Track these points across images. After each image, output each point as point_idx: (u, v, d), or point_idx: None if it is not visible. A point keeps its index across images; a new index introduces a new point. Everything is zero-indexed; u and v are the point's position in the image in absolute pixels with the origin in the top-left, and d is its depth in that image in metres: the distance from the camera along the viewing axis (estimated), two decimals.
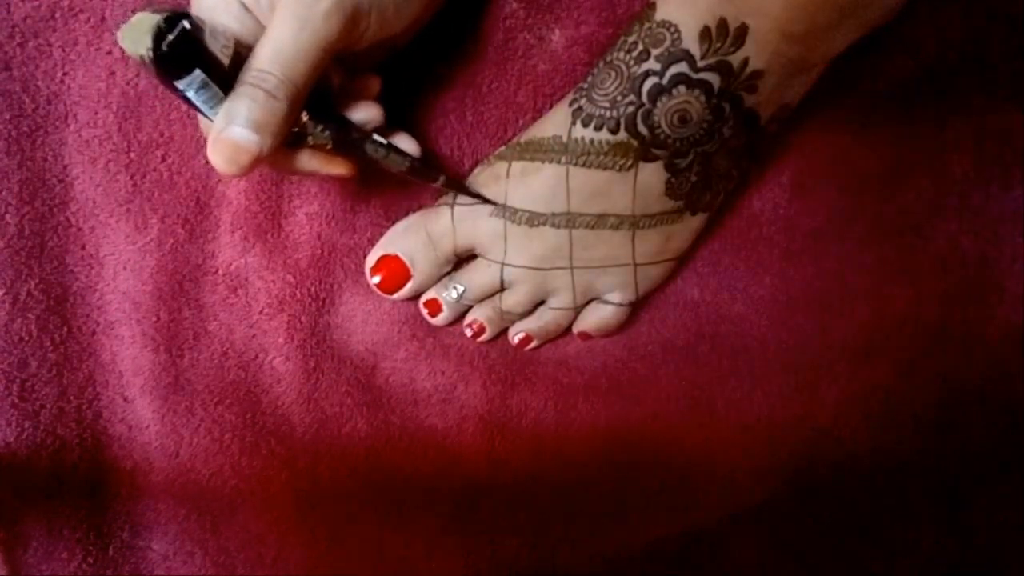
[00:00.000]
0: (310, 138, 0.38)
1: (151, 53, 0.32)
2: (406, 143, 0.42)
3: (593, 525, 0.50)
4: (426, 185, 0.44)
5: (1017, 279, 0.48)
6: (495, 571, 0.50)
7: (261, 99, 0.35)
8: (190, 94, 0.35)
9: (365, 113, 0.40)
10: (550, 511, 0.50)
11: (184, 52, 0.34)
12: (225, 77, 0.35)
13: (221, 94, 0.35)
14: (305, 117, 0.37)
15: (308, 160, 0.40)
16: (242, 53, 0.36)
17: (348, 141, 0.39)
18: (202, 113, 0.36)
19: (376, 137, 0.41)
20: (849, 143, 0.48)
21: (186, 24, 0.33)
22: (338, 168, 0.40)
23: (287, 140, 0.37)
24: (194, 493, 0.48)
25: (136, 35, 0.33)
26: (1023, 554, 0.49)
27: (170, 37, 0.33)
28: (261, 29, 0.36)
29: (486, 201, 0.44)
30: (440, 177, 0.43)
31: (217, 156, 0.35)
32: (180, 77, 0.34)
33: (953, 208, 0.48)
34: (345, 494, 0.49)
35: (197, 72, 0.34)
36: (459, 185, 0.45)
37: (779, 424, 0.49)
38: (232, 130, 0.35)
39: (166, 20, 0.33)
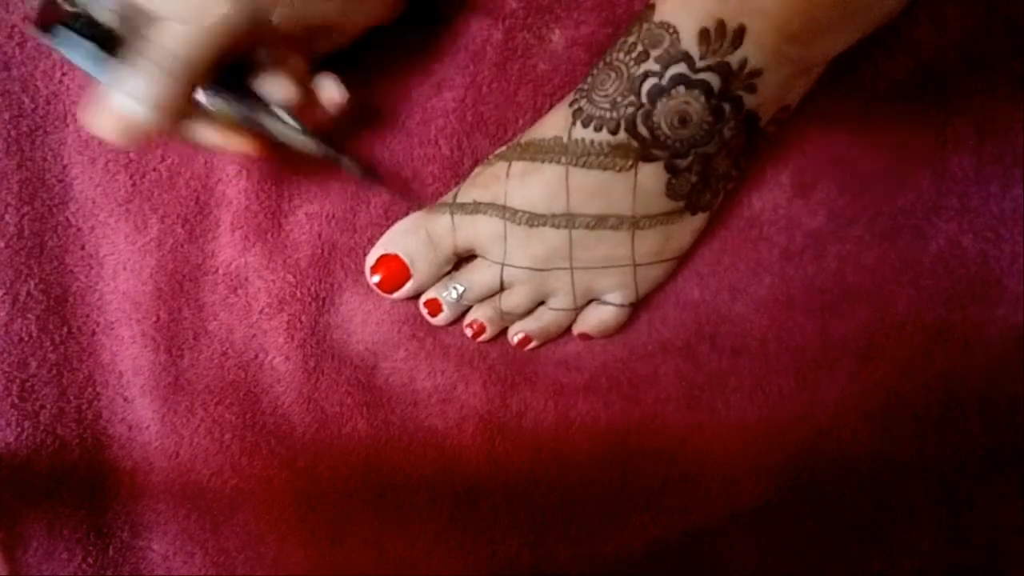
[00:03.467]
0: (208, 109, 0.38)
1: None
2: (331, 87, 0.42)
3: (593, 525, 0.49)
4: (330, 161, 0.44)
5: (1017, 279, 0.48)
6: (495, 571, 0.50)
7: (160, 78, 0.35)
8: (65, 52, 0.36)
9: (273, 87, 0.40)
10: (550, 511, 0.50)
11: (50, 12, 0.35)
12: (108, 38, 0.36)
13: (103, 54, 0.36)
14: (199, 93, 0.38)
15: (207, 133, 0.40)
16: (132, 17, 0.36)
17: (246, 116, 0.39)
18: (86, 72, 0.36)
19: (276, 111, 0.40)
20: (849, 143, 0.48)
21: None
22: (240, 145, 0.40)
23: (184, 114, 0.37)
24: (194, 493, 0.48)
25: None
26: (1023, 554, 0.49)
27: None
28: None
29: (375, 180, 0.43)
30: (343, 158, 0.43)
31: (106, 125, 0.36)
32: (49, 35, 0.35)
33: (953, 208, 0.48)
34: (345, 494, 0.49)
35: (64, 31, 0.35)
36: (365, 170, 0.44)
37: (779, 424, 0.49)
38: (126, 103, 0.35)
39: None
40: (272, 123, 0.40)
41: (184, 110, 0.37)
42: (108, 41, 0.36)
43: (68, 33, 0.36)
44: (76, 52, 0.36)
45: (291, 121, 0.41)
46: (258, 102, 0.40)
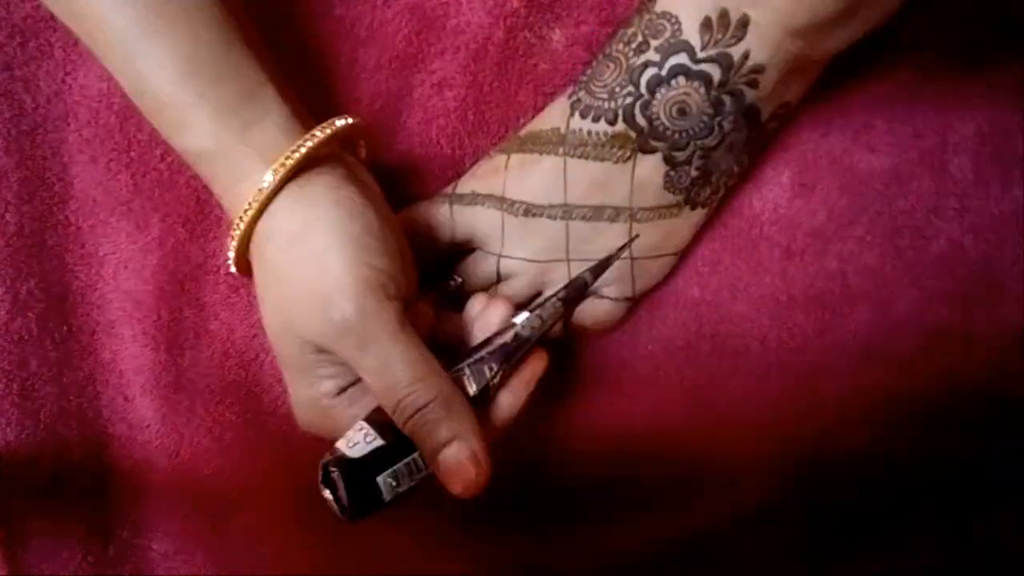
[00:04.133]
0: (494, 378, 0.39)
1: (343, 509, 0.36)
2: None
3: (593, 525, 0.49)
4: None
5: (1017, 279, 0.48)
6: (495, 571, 0.50)
7: (443, 429, 0.36)
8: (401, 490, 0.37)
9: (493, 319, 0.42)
10: (550, 511, 0.50)
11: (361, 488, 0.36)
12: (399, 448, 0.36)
13: (413, 463, 0.37)
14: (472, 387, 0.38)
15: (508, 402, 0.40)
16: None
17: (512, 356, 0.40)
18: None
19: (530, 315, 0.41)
20: (849, 143, 0.48)
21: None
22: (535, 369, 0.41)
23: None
24: (194, 493, 0.48)
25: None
26: (1023, 554, 0.49)
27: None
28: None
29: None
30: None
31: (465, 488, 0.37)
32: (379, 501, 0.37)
33: (953, 208, 0.48)
34: None
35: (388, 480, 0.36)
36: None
37: (779, 424, 0.49)
38: (461, 464, 0.36)
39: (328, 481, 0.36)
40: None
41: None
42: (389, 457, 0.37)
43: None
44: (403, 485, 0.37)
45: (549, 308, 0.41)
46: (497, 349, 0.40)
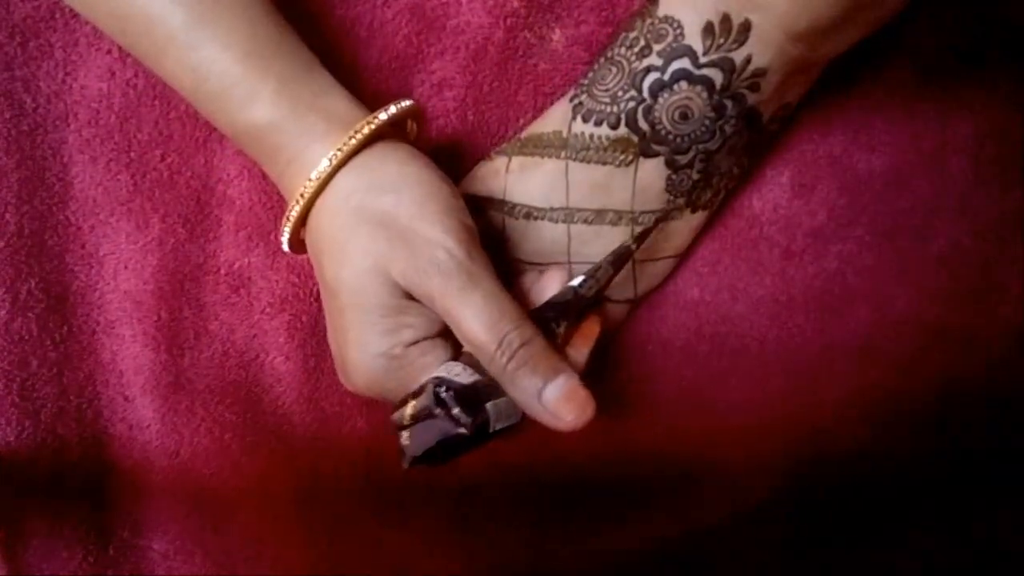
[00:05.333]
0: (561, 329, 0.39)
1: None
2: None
3: (593, 525, 0.50)
4: None
5: (1017, 279, 0.49)
6: (495, 571, 0.50)
7: (548, 363, 0.36)
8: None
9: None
10: (550, 511, 0.50)
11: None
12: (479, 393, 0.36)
13: (507, 403, 0.36)
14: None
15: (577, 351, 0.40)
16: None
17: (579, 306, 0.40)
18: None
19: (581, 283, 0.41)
20: (849, 143, 0.48)
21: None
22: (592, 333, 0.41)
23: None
24: (194, 492, 0.48)
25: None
26: (1023, 554, 0.49)
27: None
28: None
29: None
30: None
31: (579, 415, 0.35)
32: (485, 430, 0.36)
33: (953, 209, 0.48)
34: (345, 493, 0.49)
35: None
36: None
37: (779, 424, 0.49)
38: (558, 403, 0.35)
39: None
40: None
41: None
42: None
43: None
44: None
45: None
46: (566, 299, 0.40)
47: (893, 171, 0.48)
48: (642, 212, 0.43)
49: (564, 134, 0.43)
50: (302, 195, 0.37)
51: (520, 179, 0.44)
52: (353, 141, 0.36)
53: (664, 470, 0.49)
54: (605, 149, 0.42)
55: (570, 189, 0.43)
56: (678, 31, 0.39)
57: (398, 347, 0.37)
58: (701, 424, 0.49)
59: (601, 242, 0.44)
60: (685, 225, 0.45)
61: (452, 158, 0.47)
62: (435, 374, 0.37)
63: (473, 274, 0.36)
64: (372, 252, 0.36)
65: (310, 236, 0.39)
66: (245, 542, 0.49)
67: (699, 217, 0.45)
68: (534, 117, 0.46)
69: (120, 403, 0.48)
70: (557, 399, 0.35)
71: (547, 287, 0.42)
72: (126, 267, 0.47)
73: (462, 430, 0.35)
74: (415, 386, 0.37)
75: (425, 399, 0.36)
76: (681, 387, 0.49)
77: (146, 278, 0.47)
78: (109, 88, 0.45)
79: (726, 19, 0.38)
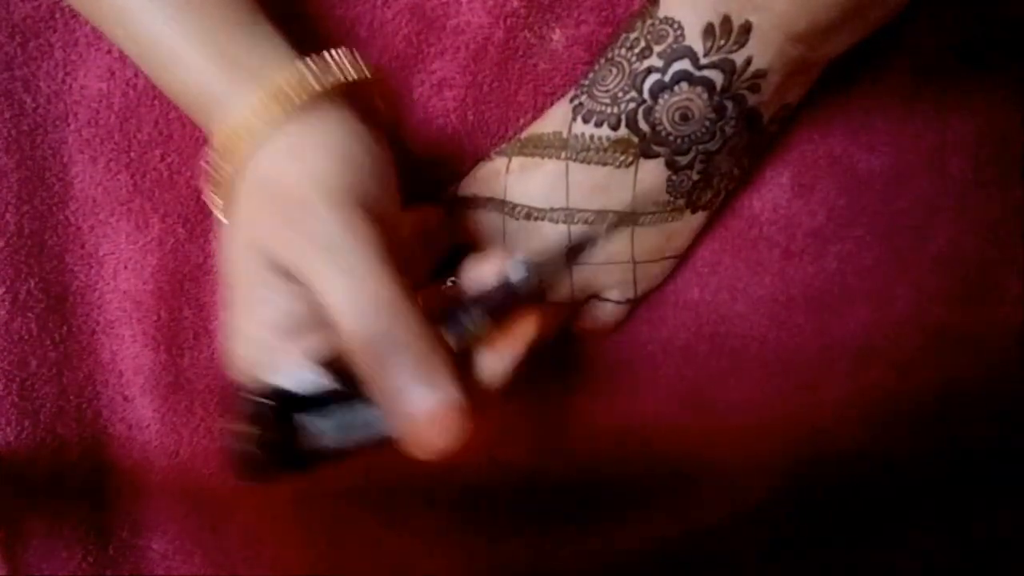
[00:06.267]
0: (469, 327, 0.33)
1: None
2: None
3: (593, 525, 0.50)
4: None
5: (1017, 279, 0.49)
6: (495, 571, 0.50)
7: (416, 367, 0.30)
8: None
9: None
10: (550, 511, 0.50)
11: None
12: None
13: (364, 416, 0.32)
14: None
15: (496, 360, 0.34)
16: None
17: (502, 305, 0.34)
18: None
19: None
20: (849, 143, 0.48)
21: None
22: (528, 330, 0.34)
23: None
24: (194, 493, 0.48)
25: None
26: (1023, 554, 0.49)
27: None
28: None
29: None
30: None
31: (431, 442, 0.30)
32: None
33: (953, 208, 0.48)
34: (345, 494, 0.49)
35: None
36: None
37: (779, 424, 0.49)
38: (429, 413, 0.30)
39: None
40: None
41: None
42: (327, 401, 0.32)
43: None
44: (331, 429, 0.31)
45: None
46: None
47: (893, 171, 0.48)
48: (642, 213, 0.43)
49: (564, 135, 0.43)
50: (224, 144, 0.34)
51: (520, 180, 0.44)
52: (288, 97, 0.33)
53: (664, 470, 0.49)
54: (605, 150, 0.42)
55: (570, 190, 0.43)
56: (678, 32, 0.39)
57: (271, 328, 0.32)
58: (701, 424, 0.49)
59: (601, 242, 0.44)
60: (685, 225, 0.45)
61: (452, 158, 0.47)
62: (278, 383, 0.32)
63: (348, 248, 0.31)
64: (250, 223, 0.33)
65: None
66: (244, 542, 0.49)
67: (699, 218, 0.45)
68: (534, 117, 0.46)
69: (120, 403, 0.48)
70: (414, 412, 0.30)
71: (481, 275, 0.36)
72: (126, 267, 0.47)
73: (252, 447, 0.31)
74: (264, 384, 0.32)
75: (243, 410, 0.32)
76: (681, 387, 0.49)
77: (146, 278, 0.47)
78: (109, 88, 0.45)
79: (726, 20, 0.38)
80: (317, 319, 0.32)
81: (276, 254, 0.32)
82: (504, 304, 0.33)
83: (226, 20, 0.35)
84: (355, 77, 0.36)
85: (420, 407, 0.30)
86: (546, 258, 0.35)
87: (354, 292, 0.30)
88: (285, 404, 0.31)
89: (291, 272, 0.32)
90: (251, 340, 0.33)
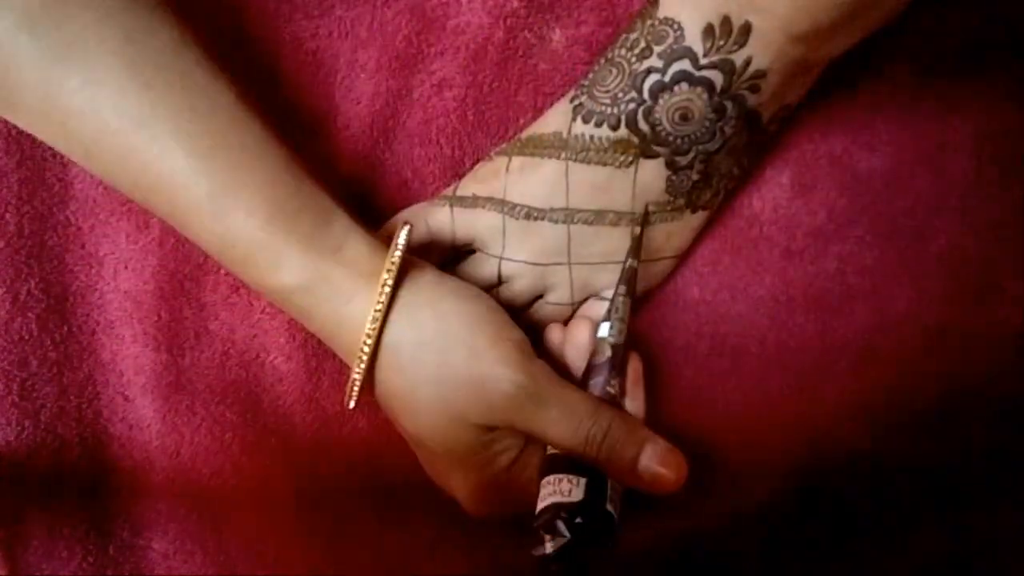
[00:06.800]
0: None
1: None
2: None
3: None
4: None
5: (1017, 280, 0.48)
6: (495, 571, 0.50)
7: (632, 441, 0.38)
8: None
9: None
10: None
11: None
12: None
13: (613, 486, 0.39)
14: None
15: None
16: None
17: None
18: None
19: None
20: (849, 143, 0.48)
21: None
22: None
23: None
24: (194, 492, 0.48)
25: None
26: (1023, 555, 0.49)
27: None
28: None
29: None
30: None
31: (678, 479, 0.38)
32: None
33: (953, 209, 0.48)
34: (345, 494, 0.49)
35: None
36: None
37: (779, 424, 0.49)
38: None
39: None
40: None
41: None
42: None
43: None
44: None
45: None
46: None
47: (893, 171, 0.48)
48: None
49: (564, 135, 0.43)
50: (360, 360, 0.38)
51: (520, 179, 0.44)
52: (384, 296, 0.37)
53: None
54: (605, 150, 0.42)
55: (570, 190, 0.43)
56: (678, 33, 0.39)
57: (501, 474, 0.40)
58: (701, 424, 0.49)
59: (601, 243, 0.44)
60: (685, 225, 0.45)
61: (452, 158, 0.47)
62: (549, 500, 0.38)
63: (542, 392, 0.38)
64: (442, 406, 0.38)
65: (376, 392, 0.40)
66: (245, 542, 0.49)
67: (699, 217, 0.45)
68: (534, 117, 0.46)
69: (120, 403, 0.48)
70: (652, 468, 0.38)
71: (576, 341, 0.44)
72: (126, 267, 0.47)
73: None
74: (535, 503, 0.39)
75: (558, 532, 0.37)
76: (681, 387, 0.49)
77: (146, 278, 0.47)
78: None
79: (726, 21, 0.38)
80: (532, 442, 0.40)
81: (483, 421, 0.38)
82: (615, 358, 0.41)
83: (304, 212, 0.38)
84: (406, 233, 0.39)
85: (654, 463, 0.38)
86: (620, 305, 0.42)
87: (564, 422, 0.38)
88: (586, 506, 0.38)
89: (498, 425, 0.38)
90: (490, 487, 0.40)
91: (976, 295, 0.49)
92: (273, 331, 0.47)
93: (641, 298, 0.48)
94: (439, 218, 0.45)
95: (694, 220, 0.45)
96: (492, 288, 0.46)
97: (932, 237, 0.48)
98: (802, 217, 0.48)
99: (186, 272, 0.47)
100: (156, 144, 0.35)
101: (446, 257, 0.46)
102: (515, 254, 0.45)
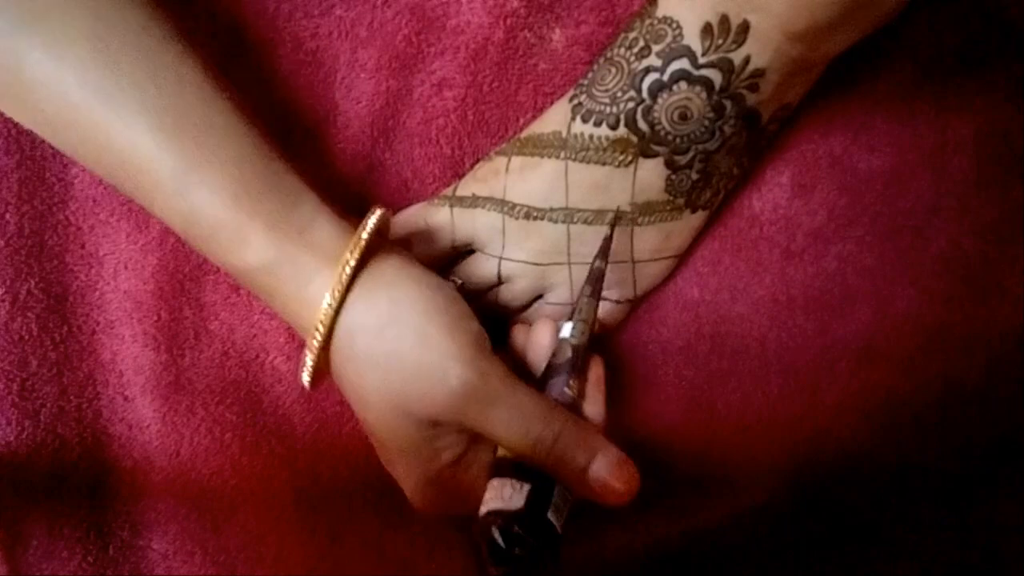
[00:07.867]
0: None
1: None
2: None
3: (593, 525, 0.49)
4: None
5: (1017, 279, 0.48)
6: None
7: (582, 448, 0.37)
8: None
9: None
10: None
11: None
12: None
13: (560, 493, 0.38)
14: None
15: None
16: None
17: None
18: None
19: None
20: (849, 143, 0.48)
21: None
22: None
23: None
24: (194, 493, 0.48)
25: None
26: (1023, 554, 0.49)
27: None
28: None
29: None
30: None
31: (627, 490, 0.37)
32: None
33: (953, 209, 0.48)
34: (345, 494, 0.49)
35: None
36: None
37: (779, 424, 0.49)
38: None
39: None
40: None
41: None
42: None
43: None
44: None
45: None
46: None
47: (893, 171, 0.48)
48: (642, 213, 0.43)
49: (563, 134, 0.43)
50: (315, 340, 0.37)
51: (520, 179, 0.44)
52: (344, 276, 0.36)
53: (664, 470, 0.49)
54: (604, 149, 0.42)
55: (570, 189, 0.43)
56: (677, 32, 0.39)
57: (444, 470, 0.38)
58: (701, 424, 0.49)
59: (600, 242, 0.44)
60: (685, 225, 0.45)
61: (452, 158, 0.47)
62: (490, 506, 0.37)
63: (491, 390, 0.36)
64: (388, 395, 0.37)
65: (333, 375, 0.39)
66: (245, 542, 0.49)
67: (699, 217, 0.45)
68: (534, 117, 0.46)
69: (120, 403, 0.48)
70: (602, 478, 0.37)
71: (539, 342, 0.43)
72: (126, 267, 0.47)
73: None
74: (479, 506, 0.38)
75: (494, 541, 0.36)
76: (681, 387, 0.49)
77: (146, 278, 0.47)
78: None
79: (724, 20, 0.38)
80: (480, 441, 0.39)
81: (427, 416, 0.37)
82: (575, 359, 0.41)
83: (270, 192, 0.37)
84: (377, 217, 0.38)
85: (603, 473, 0.37)
86: (584, 307, 0.41)
87: (513, 424, 0.36)
88: (525, 516, 0.36)
89: (443, 421, 0.37)
90: (433, 483, 0.39)
91: (976, 295, 0.49)
92: (273, 331, 0.47)
93: (641, 298, 0.48)
94: (439, 218, 0.45)
95: (694, 220, 0.45)
96: (492, 288, 0.46)
97: (932, 237, 0.48)
98: (802, 217, 0.48)
99: (186, 272, 0.47)
100: (120, 119, 0.35)
101: (446, 257, 0.46)
102: (515, 254, 0.45)
